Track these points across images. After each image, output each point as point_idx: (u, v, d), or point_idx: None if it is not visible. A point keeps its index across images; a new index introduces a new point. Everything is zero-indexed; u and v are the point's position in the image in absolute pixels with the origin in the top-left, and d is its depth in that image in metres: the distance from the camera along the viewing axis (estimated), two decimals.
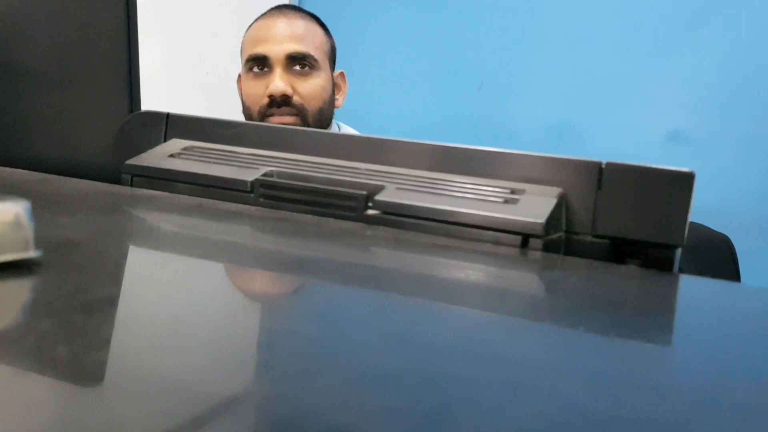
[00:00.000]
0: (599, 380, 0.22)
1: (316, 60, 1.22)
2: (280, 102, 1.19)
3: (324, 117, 1.25)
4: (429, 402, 0.19)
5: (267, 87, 1.20)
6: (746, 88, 1.71)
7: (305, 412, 0.18)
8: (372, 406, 0.18)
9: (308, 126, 1.21)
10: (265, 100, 1.20)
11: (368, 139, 0.51)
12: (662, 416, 0.19)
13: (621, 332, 0.28)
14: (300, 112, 1.20)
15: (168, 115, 0.58)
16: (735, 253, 1.14)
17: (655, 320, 0.31)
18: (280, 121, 1.19)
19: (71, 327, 0.22)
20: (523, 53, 1.94)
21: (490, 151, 0.47)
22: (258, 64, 1.22)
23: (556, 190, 0.44)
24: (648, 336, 0.28)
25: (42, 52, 0.65)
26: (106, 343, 0.22)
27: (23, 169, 0.57)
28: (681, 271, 0.42)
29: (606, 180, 0.43)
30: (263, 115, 1.21)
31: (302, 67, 1.21)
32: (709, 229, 1.13)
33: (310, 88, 1.22)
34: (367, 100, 2.00)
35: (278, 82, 1.19)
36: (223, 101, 1.53)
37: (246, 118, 1.26)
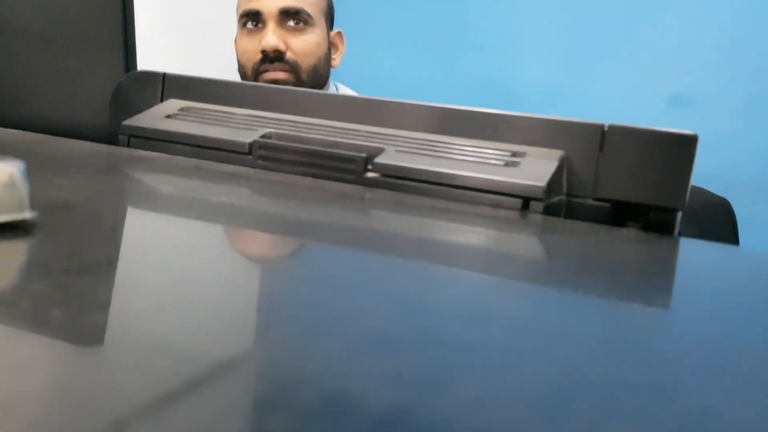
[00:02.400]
0: (600, 344, 0.22)
1: (310, 16, 1.20)
2: (272, 58, 1.17)
3: (318, 75, 1.23)
4: (429, 366, 0.19)
5: (260, 43, 1.18)
6: (749, 51, 1.69)
7: (304, 376, 0.17)
8: (372, 371, 0.18)
9: (302, 83, 1.19)
10: (258, 56, 1.18)
11: (368, 100, 0.51)
12: (662, 380, 0.19)
13: (621, 296, 0.28)
14: (293, 69, 1.19)
15: (164, 75, 0.57)
16: (734, 217, 1.14)
17: (655, 283, 0.31)
18: (273, 77, 1.18)
19: (67, 289, 0.22)
20: (525, 14, 1.91)
21: (491, 113, 0.46)
22: (251, 19, 1.21)
23: (557, 153, 0.43)
24: (648, 299, 0.28)
25: (36, 11, 0.64)
26: (102, 305, 0.21)
27: (18, 129, 0.57)
28: (680, 234, 0.42)
29: (608, 143, 0.42)
30: (256, 72, 1.19)
31: (296, 23, 1.19)
32: (709, 192, 1.13)
33: (303, 44, 1.20)
34: (366, 60, 1.98)
35: (270, 37, 1.17)
36: (219, 61, 1.51)
37: (241, 77, 1.24)
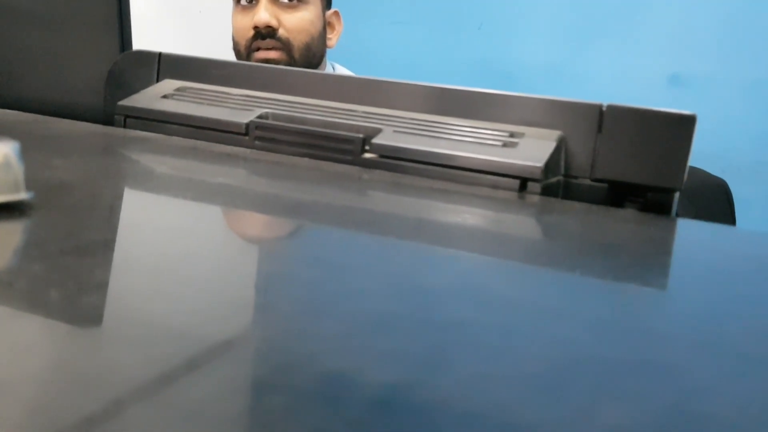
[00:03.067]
0: (598, 324, 0.22)
1: None
2: (264, 34, 1.16)
3: (312, 54, 1.22)
4: (427, 346, 0.19)
5: (253, 19, 1.17)
6: (748, 31, 1.68)
7: (303, 356, 0.17)
8: (370, 350, 0.18)
9: (294, 61, 1.18)
10: (251, 33, 1.17)
11: (365, 80, 0.50)
12: (660, 359, 0.19)
13: (619, 276, 0.28)
14: (285, 46, 1.18)
15: (160, 54, 0.57)
16: (731, 198, 1.14)
17: (653, 264, 0.31)
18: (266, 55, 1.17)
19: (63, 270, 0.22)
20: None
21: (489, 94, 0.46)
22: None
23: (555, 134, 0.43)
24: (646, 279, 0.28)
25: None
26: (99, 286, 0.21)
27: (12, 109, 0.56)
28: (677, 214, 0.42)
29: (606, 123, 0.42)
30: (249, 49, 1.18)
31: (289, 0, 1.18)
32: (707, 173, 1.13)
33: (296, 21, 1.19)
34: (363, 40, 1.97)
35: (263, 13, 1.16)
36: (215, 41, 1.49)
37: (235, 54, 1.23)
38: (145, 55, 0.57)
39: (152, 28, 1.57)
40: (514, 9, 1.91)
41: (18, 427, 0.14)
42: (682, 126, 0.40)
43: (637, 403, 0.16)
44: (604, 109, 0.42)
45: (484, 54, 1.94)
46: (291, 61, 1.18)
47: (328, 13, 1.28)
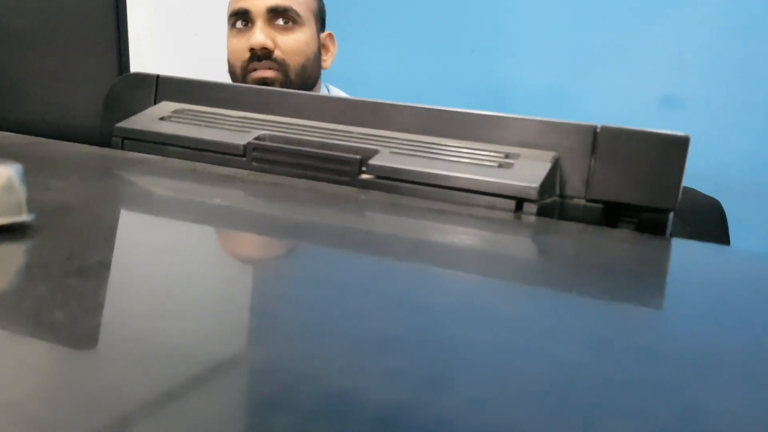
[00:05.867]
0: (595, 343, 0.22)
1: (299, 14, 1.20)
2: (260, 56, 1.18)
3: (307, 75, 1.23)
4: (428, 365, 0.19)
5: (248, 42, 1.18)
6: (739, 52, 1.70)
7: (305, 377, 0.18)
8: (372, 370, 0.18)
9: (290, 82, 1.19)
10: (247, 55, 1.18)
11: (362, 102, 0.51)
12: (657, 378, 0.19)
13: (615, 296, 0.28)
14: (281, 67, 1.19)
15: (158, 77, 0.57)
16: (725, 218, 1.15)
17: (648, 283, 0.32)
18: (261, 75, 1.18)
19: (67, 291, 0.22)
20: (517, 16, 1.92)
21: (484, 115, 0.47)
22: (240, 18, 1.21)
23: (550, 155, 0.44)
24: (642, 299, 0.28)
25: (29, 13, 0.63)
26: (102, 307, 0.22)
27: (11, 131, 0.56)
28: (671, 234, 0.42)
29: (601, 144, 0.43)
30: (245, 71, 1.19)
31: (285, 22, 1.20)
32: (700, 193, 1.14)
33: (292, 43, 1.20)
34: (358, 62, 1.98)
35: (258, 35, 1.17)
36: (211, 63, 1.50)
37: (230, 76, 1.24)
38: (143, 78, 0.57)
39: (148, 50, 1.58)
40: (506, 32, 1.93)
41: None
42: (677, 147, 0.41)
43: (639, 421, 0.16)
44: (598, 130, 0.43)
45: (477, 77, 1.96)
46: (287, 82, 1.19)
47: (323, 35, 1.29)
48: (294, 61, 1.20)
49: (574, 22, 1.86)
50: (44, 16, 0.63)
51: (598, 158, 0.43)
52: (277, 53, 1.19)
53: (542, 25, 1.89)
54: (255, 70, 1.19)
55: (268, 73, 1.18)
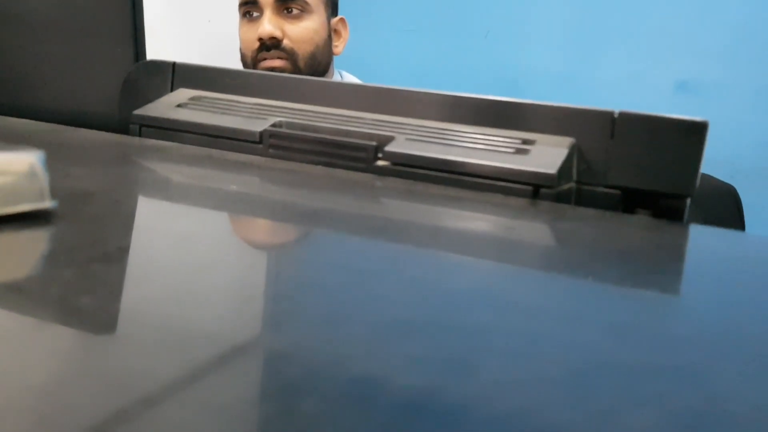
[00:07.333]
0: (615, 329, 0.22)
1: (307, 3, 1.20)
2: (269, 45, 1.18)
3: (317, 62, 1.23)
4: (450, 351, 0.19)
5: (257, 31, 1.19)
6: (755, 37, 1.68)
7: (328, 362, 0.18)
8: (394, 355, 0.18)
9: (299, 70, 1.19)
10: (257, 45, 1.19)
11: (377, 88, 0.51)
12: (676, 363, 0.19)
13: (635, 281, 0.28)
14: (290, 56, 1.19)
15: (174, 64, 0.57)
16: (740, 204, 1.14)
17: (666, 269, 0.32)
18: (270, 65, 1.18)
19: (92, 277, 0.22)
20: (530, 0, 1.91)
21: (501, 101, 0.46)
22: (250, 8, 1.21)
23: (567, 141, 0.43)
24: (661, 285, 0.28)
25: (46, 1, 0.64)
26: (127, 292, 0.22)
27: (29, 119, 0.57)
28: (687, 220, 0.42)
29: (618, 130, 0.42)
30: (255, 60, 1.20)
31: (293, 10, 1.20)
32: (715, 179, 1.13)
33: (300, 31, 1.20)
34: (370, 48, 1.98)
35: (266, 25, 1.17)
36: (224, 49, 1.51)
37: (243, 66, 1.25)
38: (159, 65, 0.58)
39: (163, 37, 1.58)
40: (520, 17, 1.92)
41: (58, 426, 0.14)
42: (694, 132, 0.40)
43: (660, 406, 0.17)
44: (616, 116, 0.43)
45: (491, 62, 1.95)
46: (296, 70, 1.19)
47: (334, 20, 1.29)
48: (303, 50, 1.20)
49: (588, 7, 1.84)
50: (61, 4, 0.63)
51: (615, 144, 0.42)
52: (285, 42, 1.19)
53: (556, 10, 1.88)
54: (264, 59, 1.19)
55: (277, 63, 1.18)
